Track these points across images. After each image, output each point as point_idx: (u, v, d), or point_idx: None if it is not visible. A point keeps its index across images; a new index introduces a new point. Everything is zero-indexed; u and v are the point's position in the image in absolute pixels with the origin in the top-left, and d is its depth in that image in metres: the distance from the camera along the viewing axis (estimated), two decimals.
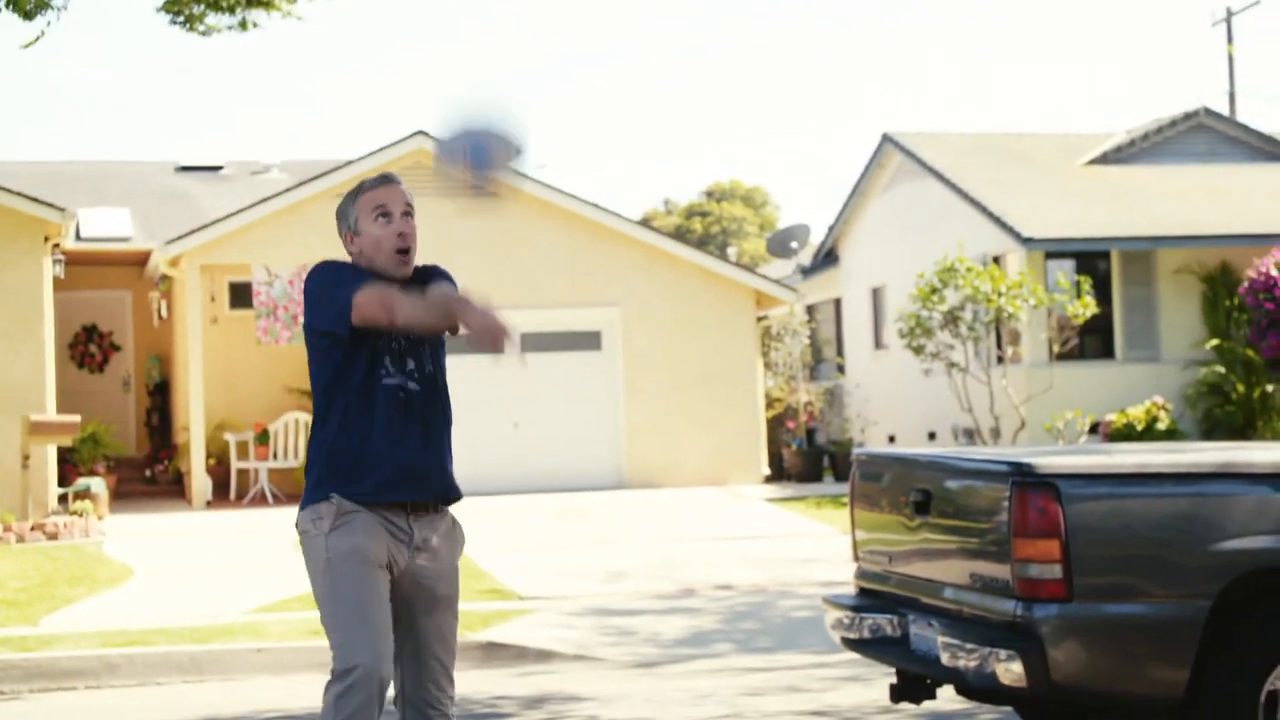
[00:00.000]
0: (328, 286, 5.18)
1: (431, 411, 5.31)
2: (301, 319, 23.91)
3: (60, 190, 25.34)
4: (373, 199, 5.26)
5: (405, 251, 5.25)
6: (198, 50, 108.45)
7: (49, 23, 12.01)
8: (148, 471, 25.10)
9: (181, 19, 12.41)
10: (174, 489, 24.30)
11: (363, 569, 5.10)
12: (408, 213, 5.28)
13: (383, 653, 5.03)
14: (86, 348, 26.67)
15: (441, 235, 23.73)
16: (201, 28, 12.25)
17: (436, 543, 5.30)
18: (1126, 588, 6.20)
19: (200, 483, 22.08)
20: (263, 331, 22.23)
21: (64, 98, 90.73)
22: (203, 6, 12.12)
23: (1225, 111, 34.66)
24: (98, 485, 20.25)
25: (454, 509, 5.45)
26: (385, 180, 5.31)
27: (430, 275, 5.37)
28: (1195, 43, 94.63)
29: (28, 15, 11.99)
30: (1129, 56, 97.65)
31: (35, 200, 20.08)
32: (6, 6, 11.72)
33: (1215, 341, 24.09)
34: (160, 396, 26.60)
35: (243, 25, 12.83)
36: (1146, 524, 6.26)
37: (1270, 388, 23.56)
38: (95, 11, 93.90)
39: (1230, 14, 37.60)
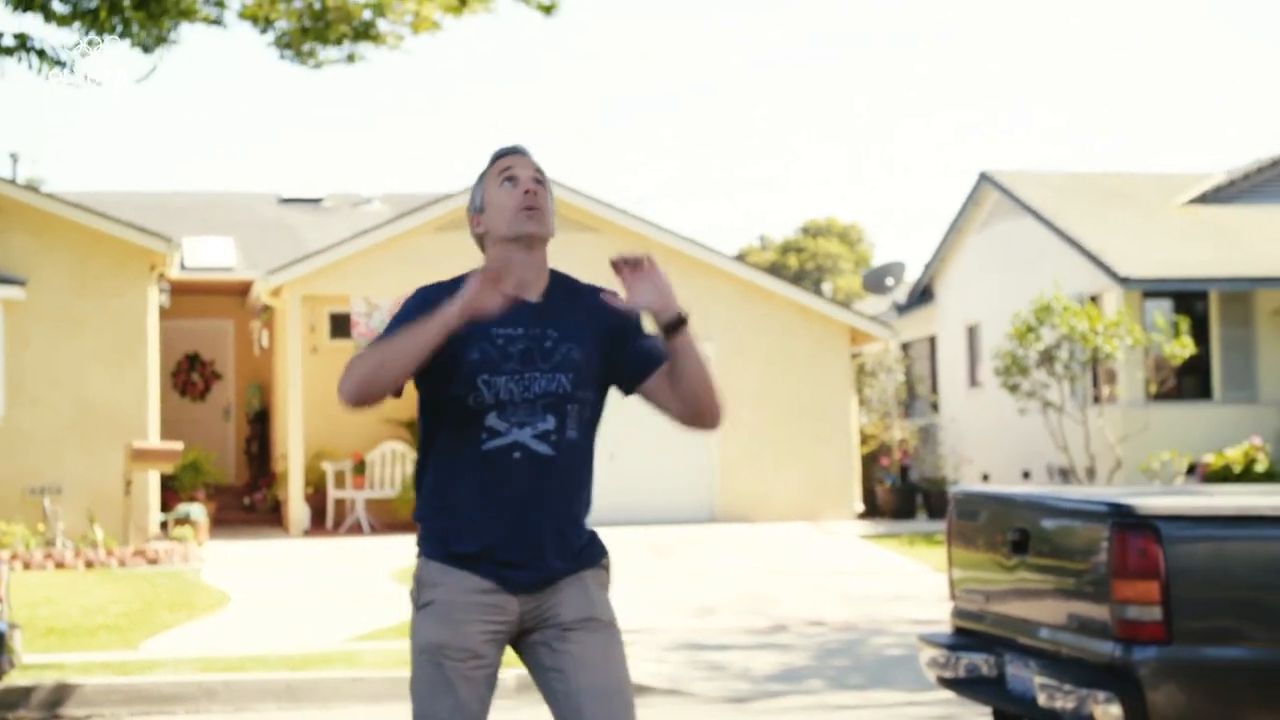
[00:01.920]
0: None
1: (564, 484, 4.47)
2: None
3: (166, 220, 25.77)
4: (498, 167, 4.56)
5: (531, 208, 4.46)
6: (302, 83, 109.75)
7: (162, 57, 12.26)
8: (246, 499, 25.36)
9: (292, 53, 12.63)
10: (272, 517, 24.54)
11: (438, 673, 4.39)
12: (539, 179, 4.53)
13: None
14: (189, 376, 27.03)
15: None
16: (313, 62, 12.46)
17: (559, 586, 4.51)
18: (1227, 631, 6.17)
19: (298, 511, 22.29)
20: None
21: (171, 129, 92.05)
22: (313, 42, 12.33)
23: None
24: (197, 512, 20.50)
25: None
26: (512, 150, 4.60)
27: (602, 303, 4.50)
28: None
29: (145, 49, 12.23)
30: (1230, 97, 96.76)
31: (142, 230, 20.45)
32: (124, 38, 11.96)
33: None
34: (260, 425, 26.91)
35: (350, 58, 13.04)
36: (1248, 567, 6.23)
37: None
38: (204, 45, 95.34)
39: None
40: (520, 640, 4.51)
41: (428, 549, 4.49)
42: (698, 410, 4.48)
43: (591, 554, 4.55)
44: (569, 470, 4.46)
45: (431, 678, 4.39)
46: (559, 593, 4.46)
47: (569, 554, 4.47)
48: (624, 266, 4.31)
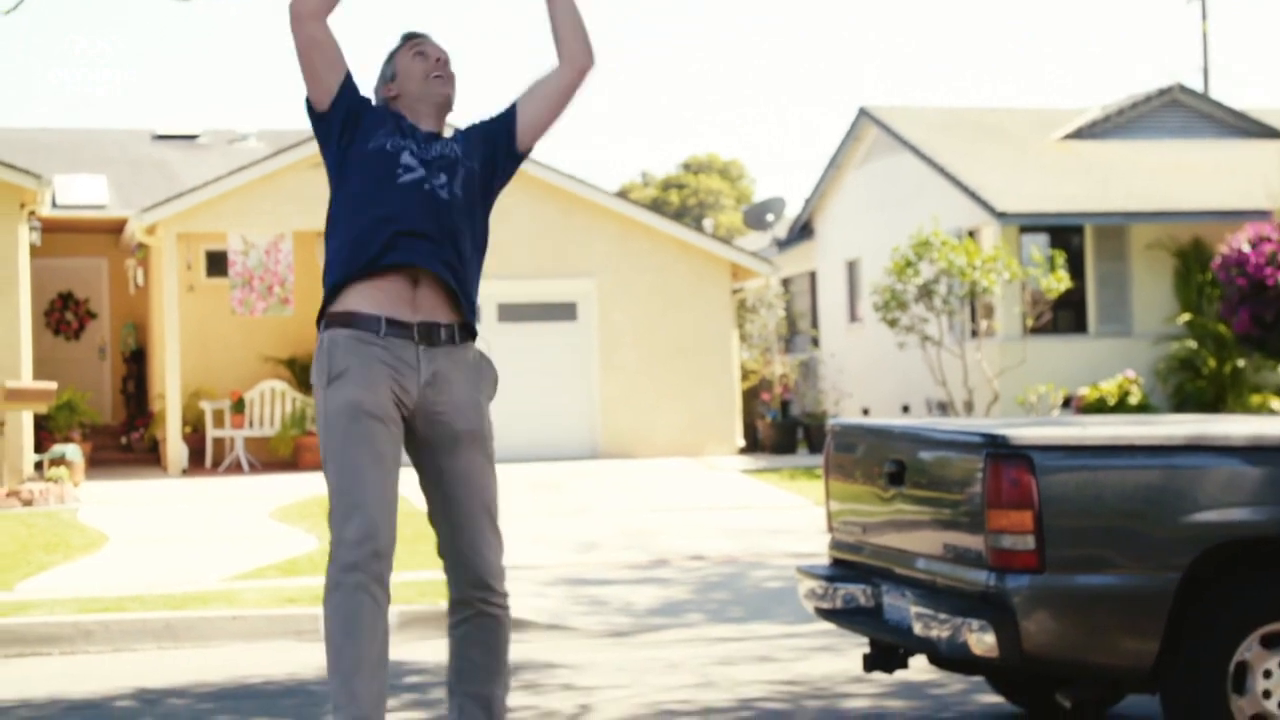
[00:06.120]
0: None
1: (460, 225, 5.11)
2: (276, 290, 23.78)
3: (36, 157, 25.25)
4: (409, 45, 5.30)
5: (440, 75, 5.25)
6: (176, 16, 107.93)
7: None
8: (123, 439, 25.08)
9: None
10: (149, 456, 24.29)
11: (355, 425, 4.86)
12: (444, 57, 5.29)
13: (378, 522, 4.78)
14: (62, 315, 26.62)
15: None
16: None
17: (451, 373, 5.05)
18: (1098, 559, 6.26)
19: (176, 450, 22.08)
20: (238, 302, 22.23)
21: (40, 63, 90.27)
22: None
23: (1199, 88, 34.77)
24: (73, 452, 20.23)
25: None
26: (419, 34, 5.34)
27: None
28: (1171, 19, 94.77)
29: None
30: (1105, 32, 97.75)
31: (11, 167, 20.02)
32: None
33: (1187, 316, 24.20)
34: (136, 364, 26.57)
35: None
36: (1118, 496, 6.30)
37: (1241, 363, 23.68)
38: None
39: None
40: (411, 427, 5.01)
41: (342, 277, 4.98)
42: (572, 52, 5.33)
43: (469, 336, 5.12)
44: (462, 215, 5.10)
45: (347, 430, 4.85)
46: (450, 384, 5.01)
47: (457, 316, 5.06)
48: None
